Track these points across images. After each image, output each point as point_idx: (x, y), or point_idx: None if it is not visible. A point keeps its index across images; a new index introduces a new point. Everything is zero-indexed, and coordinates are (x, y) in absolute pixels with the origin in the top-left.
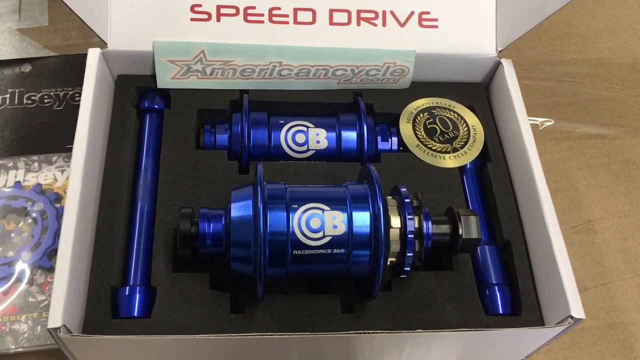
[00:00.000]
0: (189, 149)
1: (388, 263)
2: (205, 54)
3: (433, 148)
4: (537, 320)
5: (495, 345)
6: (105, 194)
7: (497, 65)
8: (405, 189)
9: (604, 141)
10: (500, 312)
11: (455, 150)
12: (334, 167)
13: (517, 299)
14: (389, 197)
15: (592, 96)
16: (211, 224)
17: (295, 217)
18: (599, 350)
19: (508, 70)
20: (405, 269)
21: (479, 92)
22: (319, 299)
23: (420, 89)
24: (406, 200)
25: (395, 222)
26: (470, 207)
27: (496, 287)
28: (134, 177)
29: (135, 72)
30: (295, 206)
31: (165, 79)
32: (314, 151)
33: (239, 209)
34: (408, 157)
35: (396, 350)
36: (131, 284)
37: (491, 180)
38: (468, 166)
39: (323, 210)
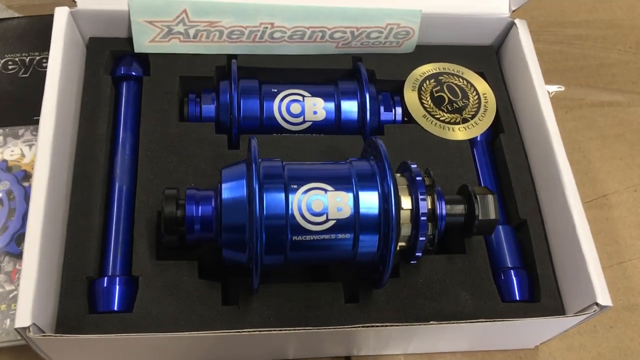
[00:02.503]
0: (172, 121)
1: (397, 248)
2: (188, 14)
3: (441, 119)
4: (558, 307)
5: (510, 334)
6: (79, 173)
7: (510, 26)
8: (415, 166)
9: (617, 109)
10: (517, 298)
11: (465, 120)
12: (333, 141)
13: (535, 283)
14: (398, 175)
15: (605, 60)
16: (199, 207)
17: (294, 199)
18: (617, 334)
19: (522, 31)
20: (417, 254)
21: (490, 57)
22: (320, 288)
23: (426, 53)
24: (417, 179)
25: (406, 202)
26: (482, 184)
27: (512, 271)
28: (110, 153)
29: (109, 34)
30: (295, 186)
31: (143, 43)
32: (311, 123)
33: (230, 190)
34: (413, 129)
35: (404, 341)
36: (110, 274)
37: (504, 153)
38: (479, 138)
39: (326, 190)
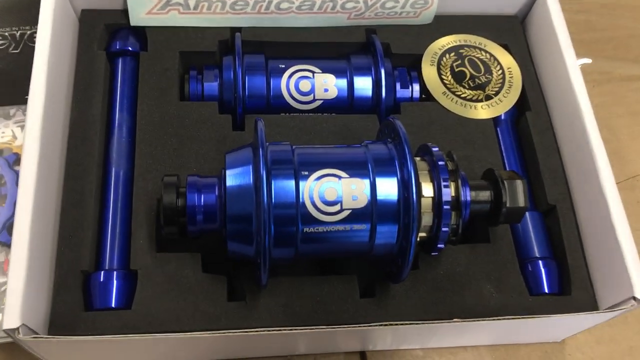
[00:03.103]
0: (172, 100)
1: (418, 239)
2: None
3: (462, 96)
4: (590, 300)
5: (537, 329)
6: (71, 158)
7: None
8: (437, 149)
9: None
10: (547, 291)
11: (488, 97)
12: (345, 121)
13: (566, 275)
14: (417, 159)
15: (635, 31)
16: (202, 195)
17: (306, 187)
18: None
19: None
20: (439, 246)
21: (514, 27)
22: (333, 281)
23: (445, 24)
24: (440, 163)
25: (428, 189)
26: (507, 166)
27: (540, 261)
28: (106, 136)
29: (103, 6)
30: (306, 173)
31: (140, 15)
32: (322, 101)
33: (236, 177)
34: (432, 107)
35: (424, 337)
36: (107, 267)
37: (531, 133)
38: (503, 117)
39: (340, 177)
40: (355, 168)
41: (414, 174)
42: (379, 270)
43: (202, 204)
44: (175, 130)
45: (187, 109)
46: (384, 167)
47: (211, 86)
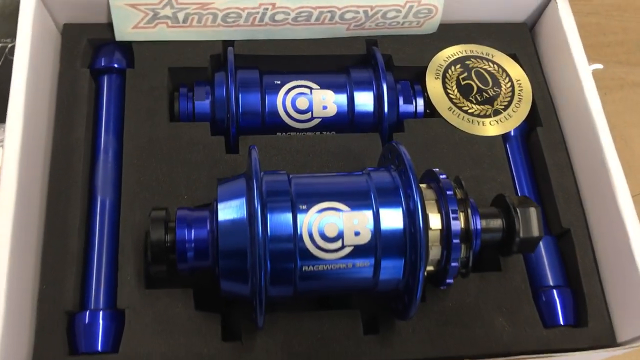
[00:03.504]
0: (161, 121)
1: (425, 274)
2: None
3: (469, 111)
4: (608, 332)
5: None
6: (53, 186)
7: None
8: (445, 176)
9: None
10: (562, 322)
11: (496, 113)
12: (346, 140)
13: (582, 304)
14: (423, 187)
15: None
16: (192, 231)
17: (304, 222)
18: None
19: (562, 5)
20: (448, 281)
21: (523, 36)
22: (335, 317)
23: (450, 33)
24: (448, 193)
25: (435, 220)
26: (518, 186)
27: (555, 290)
28: (90, 161)
29: (86, 19)
30: (304, 206)
31: (126, 29)
32: (320, 119)
33: (228, 210)
34: (438, 124)
35: None
36: (92, 307)
37: (542, 150)
38: (512, 133)
39: (341, 211)
40: (357, 199)
41: (420, 206)
42: (384, 305)
43: (193, 239)
44: (164, 154)
45: (177, 130)
46: (387, 198)
47: (202, 104)
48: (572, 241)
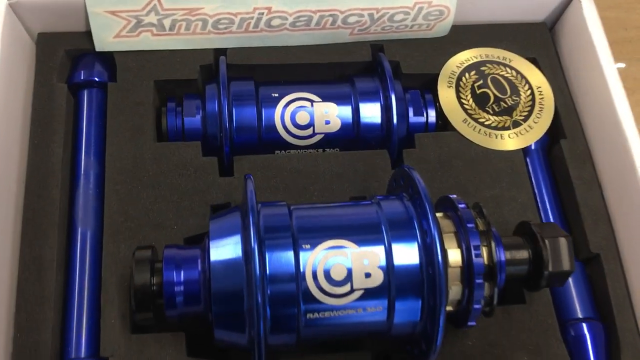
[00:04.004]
0: (147, 141)
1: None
2: (160, 0)
3: (486, 123)
4: None
5: None
6: (29, 217)
7: None
8: (464, 205)
9: None
10: (592, 359)
11: (516, 124)
12: (351, 158)
13: (614, 338)
14: (440, 216)
15: None
16: (181, 272)
17: (308, 262)
18: None
19: (587, 3)
20: (470, 324)
21: (543, 37)
22: None
23: (463, 36)
24: (469, 226)
25: (455, 255)
26: (540, 205)
27: (584, 324)
28: (69, 187)
29: (63, 28)
30: (308, 246)
31: (107, 38)
32: (322, 135)
33: (222, 248)
34: (451, 138)
35: None
36: (72, 356)
37: (567, 164)
38: (533, 146)
39: (349, 250)
40: (366, 234)
41: (438, 241)
42: (398, 348)
43: (182, 281)
44: (151, 179)
45: (164, 151)
46: (401, 231)
47: (193, 121)
48: (602, 267)
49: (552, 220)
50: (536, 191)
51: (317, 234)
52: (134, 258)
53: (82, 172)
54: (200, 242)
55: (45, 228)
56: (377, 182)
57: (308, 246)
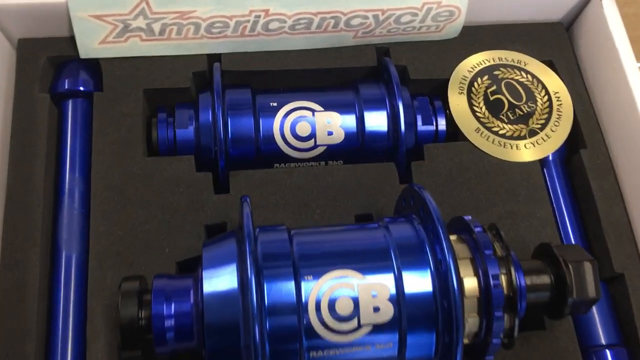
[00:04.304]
0: (136, 155)
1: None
2: (149, 3)
3: (500, 132)
4: None
5: None
6: (8, 241)
7: None
8: (480, 228)
9: None
10: None
11: (532, 133)
12: (356, 172)
13: None
14: (453, 239)
15: None
16: (172, 304)
17: (310, 296)
18: None
19: (607, 1)
20: (488, 358)
21: (560, 38)
22: None
23: (474, 37)
24: (487, 252)
25: (471, 284)
26: (559, 221)
27: (608, 351)
28: (53, 206)
29: (45, 33)
30: (310, 277)
31: (92, 44)
32: (325, 147)
33: (216, 279)
34: (463, 149)
35: None
36: None
37: (587, 176)
38: (551, 157)
39: (355, 282)
40: (373, 261)
41: (454, 270)
42: None
43: (173, 315)
44: (140, 197)
45: (155, 166)
46: (411, 257)
47: (185, 132)
48: (626, 287)
49: (572, 237)
50: (555, 206)
51: (319, 262)
52: (119, 291)
53: (67, 190)
54: (194, 265)
55: (26, 253)
56: (384, 198)
57: (310, 277)
